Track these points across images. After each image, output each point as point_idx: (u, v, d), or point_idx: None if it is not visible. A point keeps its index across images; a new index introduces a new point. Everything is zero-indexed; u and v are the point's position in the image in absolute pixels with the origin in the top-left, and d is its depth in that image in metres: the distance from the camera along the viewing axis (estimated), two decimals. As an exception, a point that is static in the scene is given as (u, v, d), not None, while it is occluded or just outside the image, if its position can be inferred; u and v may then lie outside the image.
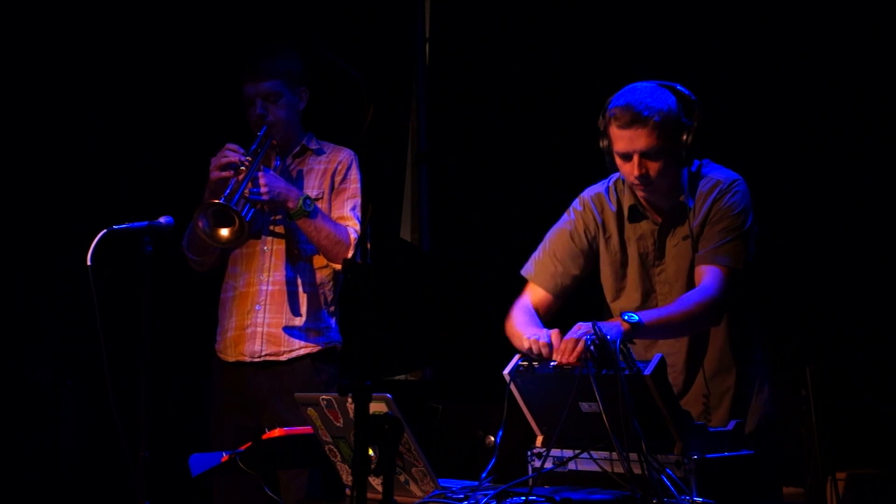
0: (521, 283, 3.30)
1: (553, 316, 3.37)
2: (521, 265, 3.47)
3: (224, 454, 3.28)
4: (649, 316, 3.04)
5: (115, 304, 3.97)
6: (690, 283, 3.21)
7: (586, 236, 3.36)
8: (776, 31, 4.60)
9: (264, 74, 3.97)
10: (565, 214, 3.42)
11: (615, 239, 3.33)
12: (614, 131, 3.18)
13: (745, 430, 2.93)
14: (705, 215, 3.20)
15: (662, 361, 2.73)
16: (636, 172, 3.17)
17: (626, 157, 3.18)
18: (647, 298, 3.30)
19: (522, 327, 3.22)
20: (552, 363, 2.86)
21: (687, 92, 3.20)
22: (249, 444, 3.27)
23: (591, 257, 3.37)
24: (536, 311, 3.36)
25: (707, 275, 3.15)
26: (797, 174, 4.51)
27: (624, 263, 3.32)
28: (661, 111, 3.13)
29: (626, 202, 3.31)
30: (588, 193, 3.41)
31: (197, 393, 4.36)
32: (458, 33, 5.80)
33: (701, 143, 3.20)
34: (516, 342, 3.22)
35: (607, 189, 3.37)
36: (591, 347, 2.77)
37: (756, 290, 3.29)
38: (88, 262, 3.51)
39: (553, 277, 3.38)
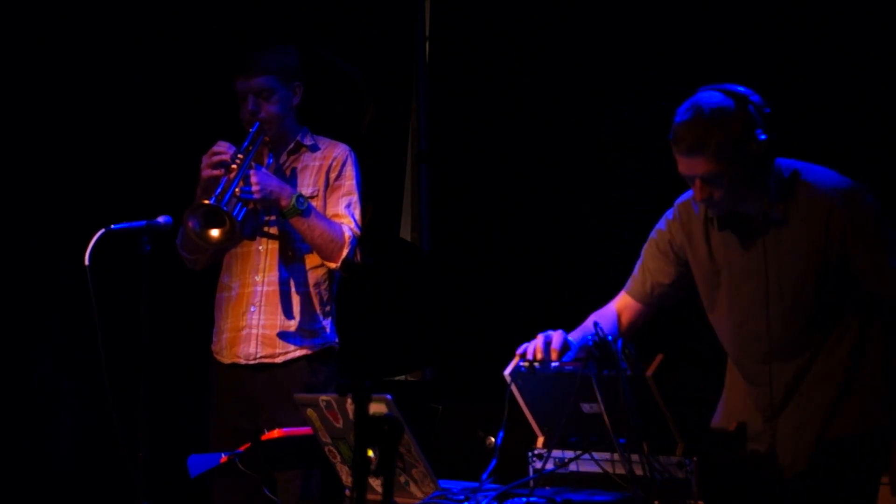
0: (519, 282, 3.30)
1: (643, 325, 3.27)
2: (522, 265, 3.45)
3: (223, 455, 3.27)
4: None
5: (114, 303, 3.96)
6: (769, 302, 3.02)
7: (671, 245, 3.19)
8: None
9: (256, 70, 3.92)
10: (658, 222, 3.26)
11: (702, 249, 3.13)
12: (675, 154, 2.95)
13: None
14: (824, 238, 2.94)
15: (663, 362, 2.72)
16: (699, 197, 2.96)
17: (690, 180, 2.97)
18: (736, 313, 3.11)
19: (578, 329, 3.10)
20: (554, 364, 2.86)
21: (757, 98, 2.94)
22: (248, 444, 3.26)
23: (680, 266, 3.20)
24: (621, 313, 3.25)
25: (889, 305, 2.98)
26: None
27: (716, 274, 3.12)
28: (721, 131, 2.87)
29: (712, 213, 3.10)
30: (679, 199, 3.21)
31: (196, 393, 4.36)
32: (458, 32, 5.79)
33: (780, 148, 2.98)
34: None
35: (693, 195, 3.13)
36: (592, 347, 2.76)
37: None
38: (86, 262, 3.50)
39: (640, 285, 3.25)
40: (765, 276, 3.02)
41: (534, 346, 2.90)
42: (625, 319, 3.27)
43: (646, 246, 3.29)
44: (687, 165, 2.94)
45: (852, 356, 3.02)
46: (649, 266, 3.25)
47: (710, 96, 2.94)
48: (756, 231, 3.03)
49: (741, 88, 2.95)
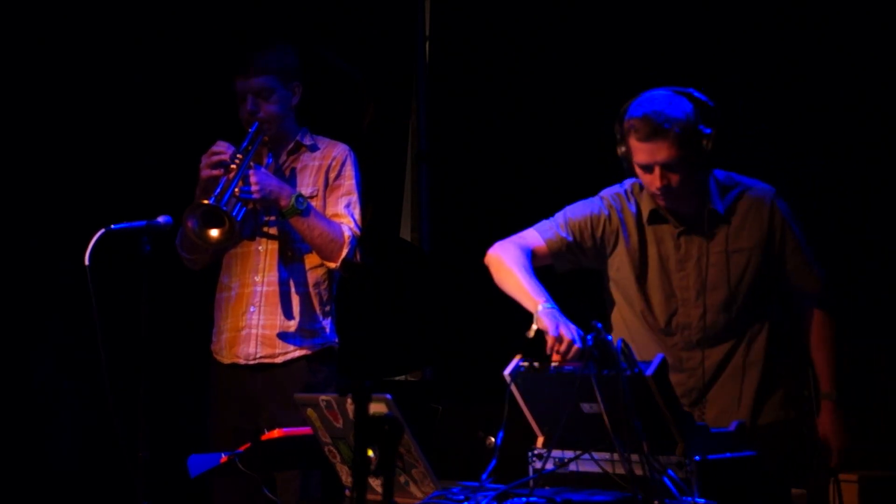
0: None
1: (538, 270, 3.31)
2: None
3: (223, 455, 3.27)
4: (833, 381, 3.25)
5: (114, 303, 3.95)
6: (705, 291, 3.24)
7: (604, 229, 3.34)
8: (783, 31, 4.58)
9: (255, 70, 3.92)
10: (587, 201, 3.38)
11: (634, 240, 3.31)
12: (633, 143, 3.16)
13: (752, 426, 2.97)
14: (767, 235, 3.26)
15: (664, 362, 2.72)
16: (658, 184, 3.16)
17: (648, 168, 3.17)
18: (668, 302, 3.29)
19: (519, 270, 3.19)
20: (552, 363, 2.86)
21: (704, 98, 3.18)
22: (248, 444, 3.26)
23: (597, 250, 3.34)
24: (533, 257, 3.31)
25: (814, 299, 3.29)
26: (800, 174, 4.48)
27: (644, 265, 3.31)
28: (681, 122, 3.11)
29: (646, 206, 3.30)
30: (608, 192, 3.39)
31: (196, 393, 4.36)
32: (459, 33, 5.79)
33: (724, 147, 3.18)
34: (505, 278, 3.20)
35: (626, 192, 3.35)
36: (592, 347, 2.76)
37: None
38: (86, 262, 3.50)
39: (559, 240, 3.33)
40: (704, 268, 3.23)
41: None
42: (534, 263, 3.32)
43: (571, 213, 3.37)
44: (648, 152, 3.13)
45: (771, 346, 3.27)
46: (575, 228, 3.34)
47: (663, 92, 3.18)
48: (693, 227, 3.25)
49: (690, 90, 3.19)
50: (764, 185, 3.30)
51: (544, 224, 3.39)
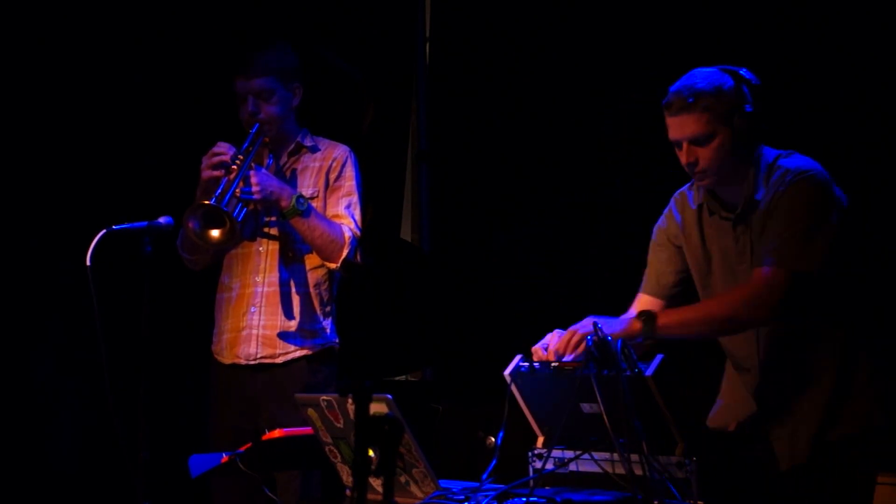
0: (520, 282, 3.30)
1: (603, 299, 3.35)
2: (522, 264, 3.45)
3: (224, 455, 3.27)
4: (668, 313, 3.01)
5: (115, 304, 3.96)
6: None
7: (667, 236, 3.28)
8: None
9: (256, 71, 3.92)
10: (659, 218, 3.34)
11: (695, 236, 3.21)
12: (667, 120, 3.08)
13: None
14: (766, 209, 3.06)
15: (664, 362, 2.72)
16: (684, 160, 3.07)
17: (678, 145, 3.08)
18: None
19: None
20: (552, 363, 2.86)
21: (750, 77, 3.07)
22: (249, 444, 3.27)
23: (679, 255, 3.28)
24: None
25: (753, 274, 3.01)
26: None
27: (707, 261, 3.20)
28: (710, 94, 3.01)
29: (702, 198, 3.19)
30: (676, 193, 3.31)
31: (196, 393, 4.36)
32: (459, 33, 5.79)
33: (776, 132, 3.07)
34: None
35: (690, 185, 3.26)
36: (592, 347, 2.76)
37: (849, 293, 3.09)
38: (88, 263, 3.50)
39: (654, 281, 3.31)
40: (753, 258, 3.08)
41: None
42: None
43: (650, 248, 3.36)
44: (676, 127, 3.06)
45: (837, 353, 3.06)
46: (654, 260, 3.32)
47: (706, 70, 3.10)
48: (742, 216, 3.11)
49: (739, 68, 3.09)
50: (804, 161, 3.08)
51: (644, 277, 3.34)
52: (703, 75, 3.07)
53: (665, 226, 3.30)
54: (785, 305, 2.98)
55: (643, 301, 3.32)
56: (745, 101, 3.04)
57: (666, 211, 3.32)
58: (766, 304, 2.97)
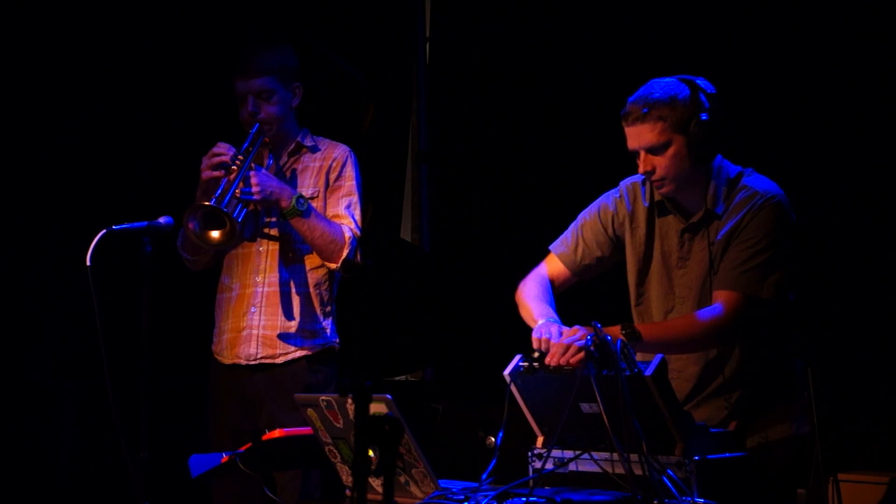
0: (520, 282, 3.28)
1: (568, 291, 3.34)
2: (522, 264, 3.45)
3: (224, 455, 3.27)
4: (651, 332, 3.02)
5: (115, 304, 3.96)
6: (705, 293, 3.14)
7: (613, 223, 3.31)
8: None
9: (256, 71, 3.92)
10: (604, 195, 3.37)
11: (642, 231, 3.26)
12: (625, 130, 3.14)
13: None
14: (732, 229, 3.11)
15: (663, 362, 2.73)
16: (642, 168, 3.13)
17: (636, 154, 3.14)
18: (666, 298, 3.23)
19: (532, 301, 3.21)
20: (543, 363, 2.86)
21: (706, 86, 3.12)
22: (249, 444, 3.27)
23: (616, 245, 3.32)
24: (552, 282, 3.33)
25: (720, 299, 3.07)
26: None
27: (647, 258, 3.26)
28: (664, 104, 3.07)
29: (657, 196, 3.24)
30: (627, 181, 3.35)
31: (196, 393, 4.36)
32: (459, 33, 5.79)
33: (735, 147, 3.13)
34: (523, 313, 3.23)
35: (643, 181, 3.30)
36: (592, 348, 2.76)
37: (798, 317, 3.20)
38: (88, 263, 3.50)
39: (572, 253, 3.35)
40: (705, 269, 3.14)
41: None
42: (556, 287, 3.35)
43: (585, 215, 3.39)
44: (633, 137, 3.12)
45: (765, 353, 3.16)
46: (585, 236, 3.35)
47: (664, 80, 3.15)
48: (697, 224, 3.17)
49: (696, 78, 3.15)
50: (769, 185, 3.16)
51: (559, 241, 3.39)
52: (659, 85, 3.12)
53: (614, 209, 3.32)
54: (742, 329, 3.09)
55: (556, 266, 3.36)
56: (702, 109, 3.09)
57: (615, 194, 3.34)
58: (731, 331, 3.09)
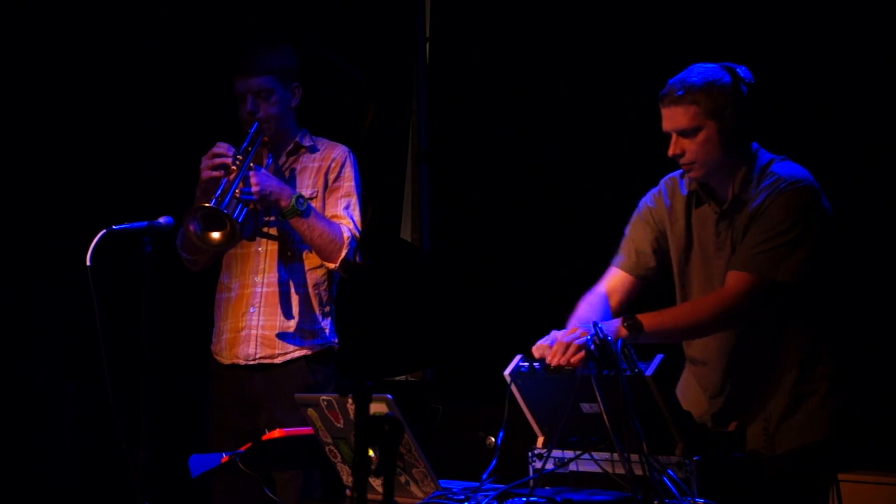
0: (520, 282, 3.30)
1: (636, 299, 3.31)
2: (522, 265, 3.45)
3: (224, 455, 3.27)
4: (653, 319, 3.00)
5: (115, 304, 3.96)
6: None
7: (654, 218, 3.30)
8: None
9: (255, 70, 3.92)
10: (645, 195, 3.37)
11: (681, 223, 3.25)
12: (661, 111, 3.13)
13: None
14: (753, 212, 3.09)
15: (664, 362, 2.73)
16: (671, 151, 3.12)
17: (668, 136, 3.13)
18: (706, 287, 3.19)
19: (574, 319, 3.17)
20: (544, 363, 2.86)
21: (745, 74, 3.11)
22: (249, 444, 3.27)
23: (664, 237, 3.30)
24: (611, 294, 3.30)
25: (730, 280, 3.05)
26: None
27: (688, 249, 3.24)
28: (700, 89, 3.06)
29: (693, 186, 3.23)
30: (667, 177, 3.34)
31: (197, 394, 4.36)
32: (458, 33, 5.79)
33: (769, 134, 3.10)
34: None
35: (681, 173, 3.28)
36: (592, 348, 2.77)
37: (822, 304, 3.14)
38: (88, 263, 3.50)
39: (628, 257, 3.32)
40: (727, 257, 3.13)
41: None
42: (617, 299, 3.31)
43: (632, 219, 3.38)
44: (667, 118, 3.12)
45: (801, 354, 3.11)
46: (634, 236, 3.34)
47: (706, 65, 3.14)
48: (727, 212, 3.15)
49: (738, 67, 3.13)
50: (796, 169, 3.12)
51: (617, 255, 3.36)
52: (699, 70, 3.11)
53: (654, 206, 3.32)
54: (756, 313, 3.06)
55: (616, 277, 3.33)
56: (739, 98, 3.08)
57: (655, 192, 3.34)
58: (740, 313, 3.06)
